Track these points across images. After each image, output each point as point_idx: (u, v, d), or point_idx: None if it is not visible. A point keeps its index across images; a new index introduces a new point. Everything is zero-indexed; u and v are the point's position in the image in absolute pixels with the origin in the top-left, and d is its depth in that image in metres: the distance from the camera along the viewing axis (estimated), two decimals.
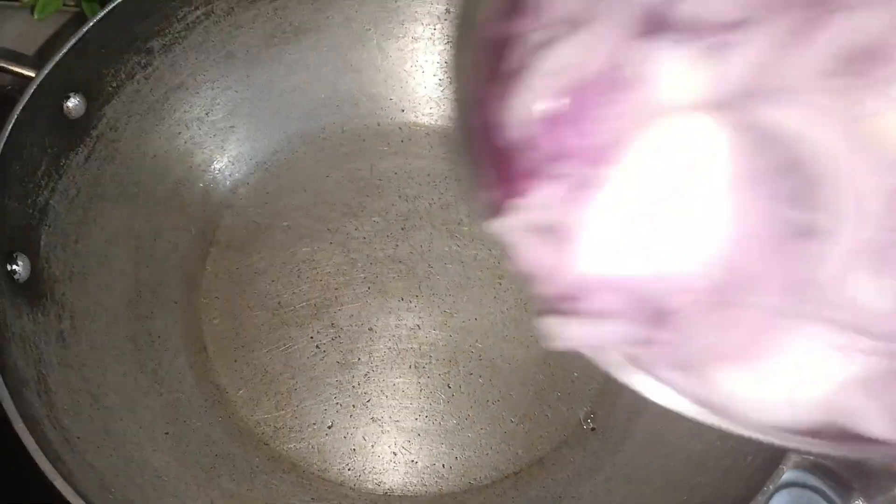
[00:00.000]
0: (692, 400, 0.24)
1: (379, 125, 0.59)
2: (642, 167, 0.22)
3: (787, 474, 0.39)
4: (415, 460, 0.49)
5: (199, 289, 0.53)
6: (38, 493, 0.37)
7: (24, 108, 0.44)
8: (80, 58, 0.47)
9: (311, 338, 0.52)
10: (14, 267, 0.44)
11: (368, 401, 0.50)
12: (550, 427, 0.50)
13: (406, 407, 0.50)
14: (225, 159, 0.57)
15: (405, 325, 0.52)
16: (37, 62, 0.48)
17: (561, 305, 0.24)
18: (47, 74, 0.45)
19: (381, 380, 0.51)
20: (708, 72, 0.22)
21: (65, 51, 0.46)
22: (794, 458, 0.39)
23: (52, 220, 0.47)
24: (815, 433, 0.24)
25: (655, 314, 0.23)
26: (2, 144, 0.43)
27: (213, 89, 0.56)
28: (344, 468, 0.48)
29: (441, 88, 0.59)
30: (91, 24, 0.47)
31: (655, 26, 0.23)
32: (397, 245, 0.55)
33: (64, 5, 0.60)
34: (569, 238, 0.23)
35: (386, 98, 0.60)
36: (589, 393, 0.51)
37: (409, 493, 0.48)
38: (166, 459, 0.46)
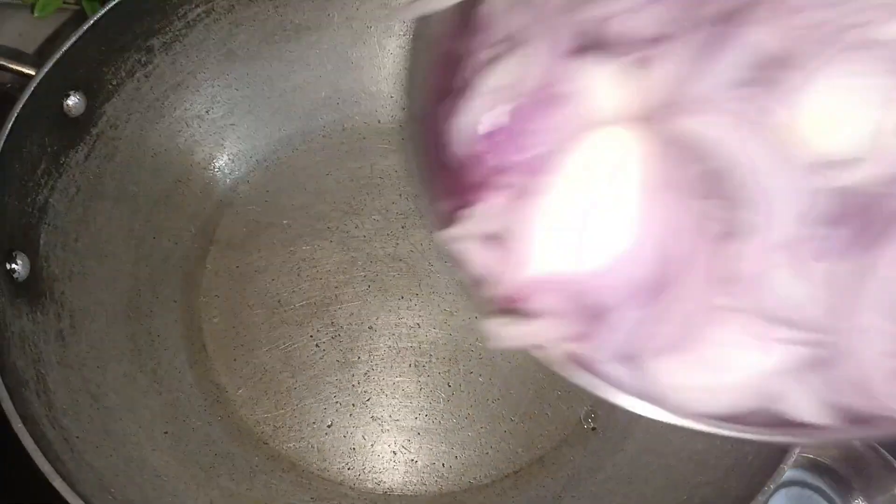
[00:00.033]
0: (633, 393, 0.26)
1: (380, 123, 0.59)
2: (575, 176, 0.24)
3: (788, 473, 0.39)
4: (414, 459, 0.49)
5: (198, 287, 0.53)
6: (37, 493, 0.37)
7: (24, 106, 0.44)
8: (81, 56, 0.47)
9: (311, 336, 0.52)
10: (13, 266, 0.44)
11: (368, 400, 0.50)
12: (550, 426, 0.50)
13: (406, 406, 0.50)
14: (225, 157, 0.57)
15: (405, 323, 0.52)
16: (37, 60, 0.48)
17: (506, 307, 0.26)
18: (47, 73, 0.45)
19: (381, 378, 0.51)
20: (632, 86, 0.24)
21: (65, 49, 0.46)
22: (794, 457, 0.39)
23: (52, 218, 0.47)
24: (748, 419, 0.26)
25: (593, 311, 0.25)
26: (2, 143, 0.43)
27: (213, 87, 0.56)
28: (343, 467, 0.48)
29: None
30: (91, 22, 0.47)
31: (586, 44, 0.25)
32: (398, 243, 0.55)
33: (64, 3, 0.60)
34: (511, 244, 0.25)
35: (387, 96, 0.59)
36: (589, 392, 0.51)
37: (409, 493, 0.48)
38: (166, 459, 0.46)
